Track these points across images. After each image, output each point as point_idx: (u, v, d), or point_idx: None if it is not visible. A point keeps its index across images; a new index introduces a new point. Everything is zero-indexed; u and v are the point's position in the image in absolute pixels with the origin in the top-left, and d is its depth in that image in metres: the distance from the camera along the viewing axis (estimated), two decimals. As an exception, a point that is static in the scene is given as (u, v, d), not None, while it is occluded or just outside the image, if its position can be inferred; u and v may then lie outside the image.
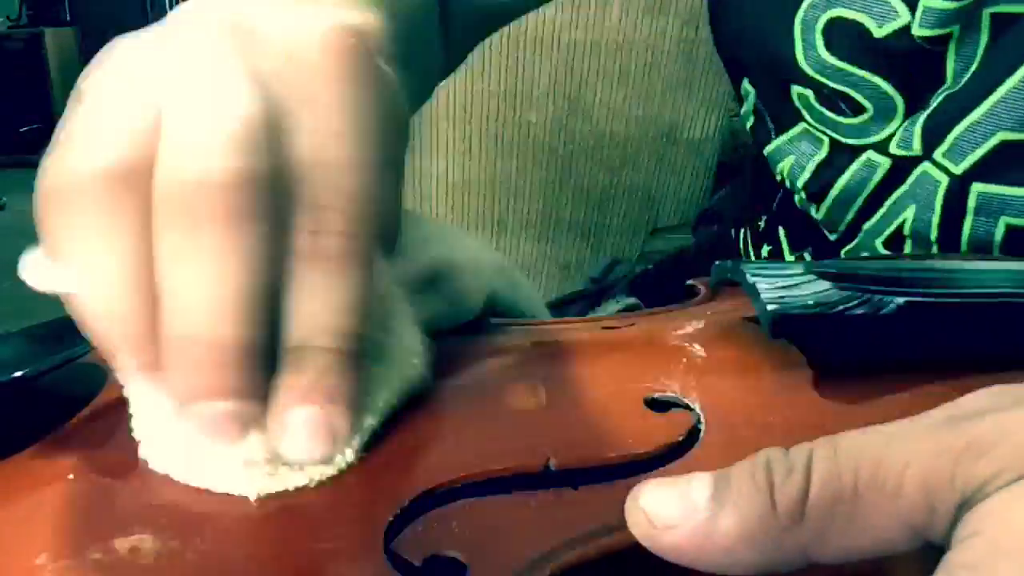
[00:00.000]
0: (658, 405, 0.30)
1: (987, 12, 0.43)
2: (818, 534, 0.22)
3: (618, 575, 0.25)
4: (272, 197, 0.25)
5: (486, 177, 1.60)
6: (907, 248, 0.49)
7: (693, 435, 0.28)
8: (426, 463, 0.27)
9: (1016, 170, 0.43)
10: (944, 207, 0.46)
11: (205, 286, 0.24)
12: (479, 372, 0.34)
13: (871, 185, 0.49)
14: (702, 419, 0.29)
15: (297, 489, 0.26)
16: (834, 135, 0.51)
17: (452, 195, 1.62)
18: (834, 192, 0.51)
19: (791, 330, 0.31)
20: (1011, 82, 0.42)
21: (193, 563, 0.23)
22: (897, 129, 0.48)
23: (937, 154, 0.45)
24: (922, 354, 0.32)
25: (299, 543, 0.24)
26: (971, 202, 0.44)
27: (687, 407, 0.30)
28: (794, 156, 0.54)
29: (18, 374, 0.30)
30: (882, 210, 0.49)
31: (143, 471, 0.27)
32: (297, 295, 0.26)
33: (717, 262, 0.37)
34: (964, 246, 0.46)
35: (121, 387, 0.29)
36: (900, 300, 0.31)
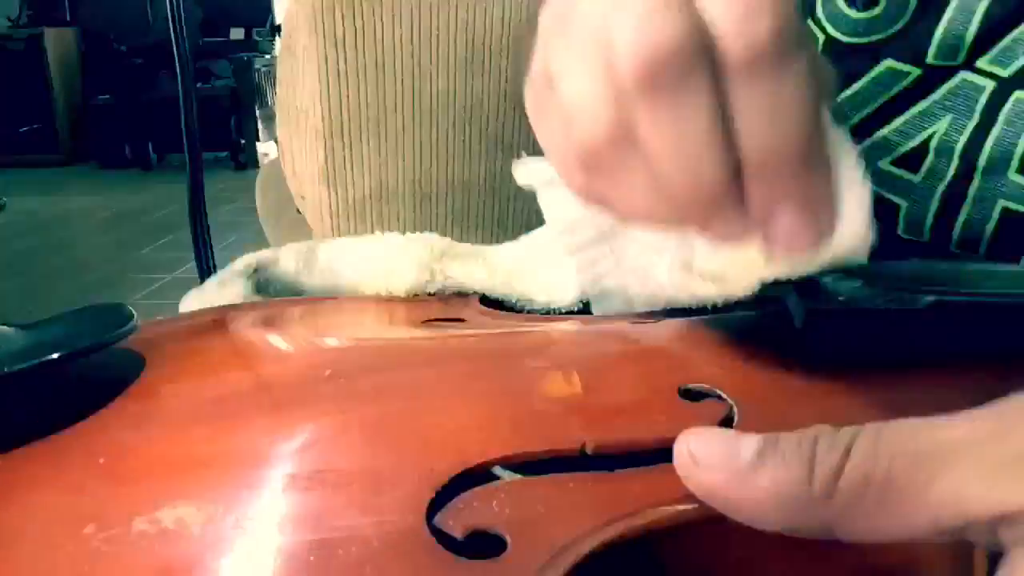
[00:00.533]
0: (692, 395, 0.30)
1: None
2: (845, 513, 0.23)
3: (653, 558, 0.25)
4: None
5: (486, 177, 1.60)
6: (928, 161, 0.45)
7: (726, 425, 0.29)
8: (464, 443, 0.28)
9: None
10: (984, 115, 0.43)
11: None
12: (515, 357, 0.35)
13: (888, 95, 0.46)
14: (735, 410, 0.29)
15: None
16: (833, 32, 0.47)
17: (452, 195, 1.62)
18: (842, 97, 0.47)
19: (822, 324, 0.31)
20: None
21: (236, 534, 0.24)
22: (903, 30, 0.44)
23: (982, 61, 0.42)
24: (951, 350, 0.32)
25: (343, 518, 0.24)
26: (1005, 110, 0.42)
27: (721, 398, 0.30)
28: None
29: (56, 355, 0.31)
30: (898, 121, 0.46)
31: (180, 449, 0.29)
32: (747, 118, 0.26)
33: None
34: (985, 157, 0.43)
35: (158, 373, 0.32)
36: (929, 298, 0.31)
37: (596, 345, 0.36)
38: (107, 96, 5.26)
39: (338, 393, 0.31)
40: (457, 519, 0.24)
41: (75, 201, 4.48)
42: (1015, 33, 0.41)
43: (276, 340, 0.39)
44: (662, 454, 0.27)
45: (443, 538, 0.24)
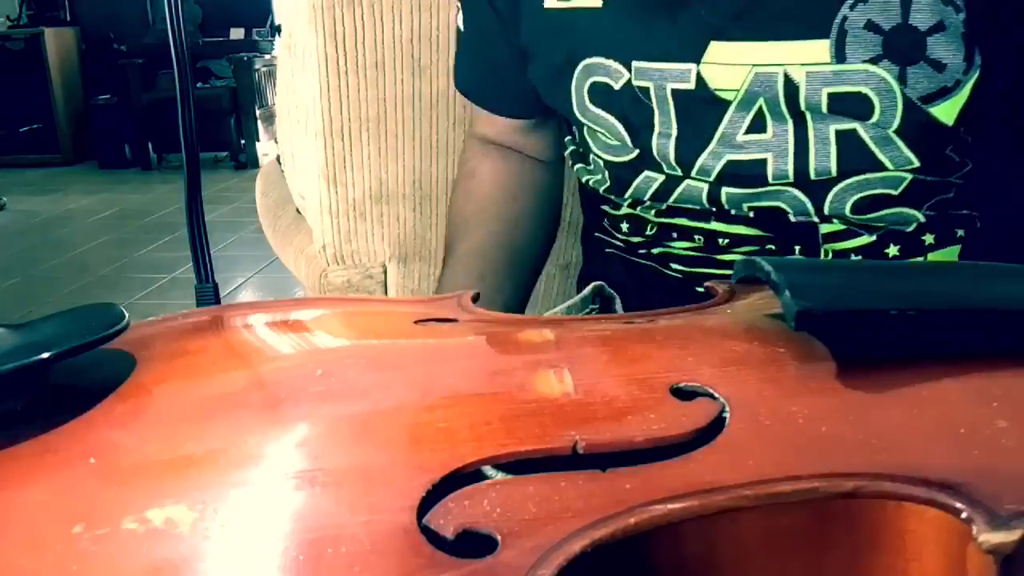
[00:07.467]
0: (684, 394, 0.30)
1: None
2: None
3: (644, 557, 0.25)
4: None
5: (486, 177, 1.60)
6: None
7: (719, 423, 0.29)
8: (456, 442, 0.28)
9: (739, 178, 0.62)
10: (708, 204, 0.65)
11: None
12: (506, 357, 0.35)
13: (650, 193, 0.67)
14: (727, 408, 0.29)
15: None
16: (609, 158, 0.70)
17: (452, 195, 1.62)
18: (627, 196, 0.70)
19: (814, 324, 0.32)
20: (721, 128, 0.61)
21: (225, 534, 0.24)
22: (641, 154, 0.66)
23: (692, 174, 0.64)
24: (938, 348, 0.32)
25: (333, 518, 0.25)
26: (723, 198, 0.64)
27: (712, 396, 0.30)
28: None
29: (47, 355, 0.31)
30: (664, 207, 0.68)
31: (170, 448, 0.29)
32: None
33: (740, 258, 0.38)
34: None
35: (148, 373, 0.33)
36: (918, 299, 0.32)
37: (588, 344, 0.36)
38: (107, 96, 5.26)
39: (329, 392, 0.31)
40: (448, 518, 0.24)
41: (75, 201, 4.48)
42: (705, 154, 0.63)
43: (267, 340, 0.39)
44: (654, 453, 0.27)
45: (434, 537, 0.24)
